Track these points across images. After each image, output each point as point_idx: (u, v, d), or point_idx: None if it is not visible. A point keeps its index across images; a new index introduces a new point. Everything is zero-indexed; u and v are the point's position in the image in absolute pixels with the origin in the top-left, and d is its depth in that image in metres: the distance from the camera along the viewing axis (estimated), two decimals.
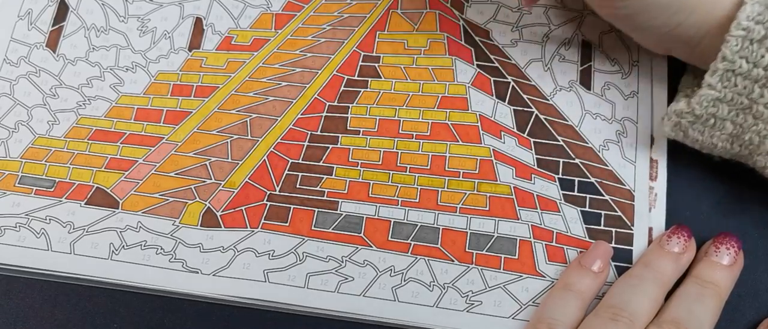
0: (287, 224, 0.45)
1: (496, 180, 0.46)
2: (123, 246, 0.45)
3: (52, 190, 0.46)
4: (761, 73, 0.37)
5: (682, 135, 0.42)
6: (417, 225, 0.45)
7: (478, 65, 0.49)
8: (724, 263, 0.42)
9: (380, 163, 0.46)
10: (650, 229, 0.44)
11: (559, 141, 0.47)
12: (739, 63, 0.37)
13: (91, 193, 0.46)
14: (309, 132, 0.47)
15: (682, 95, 0.43)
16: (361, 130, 0.47)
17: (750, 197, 0.45)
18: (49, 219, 0.46)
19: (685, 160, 0.45)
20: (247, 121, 0.48)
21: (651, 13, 0.39)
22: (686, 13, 0.39)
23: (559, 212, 0.45)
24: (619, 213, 0.45)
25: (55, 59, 0.50)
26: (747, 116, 0.39)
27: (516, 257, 0.44)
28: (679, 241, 0.42)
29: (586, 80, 0.48)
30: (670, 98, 0.47)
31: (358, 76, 0.49)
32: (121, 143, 0.48)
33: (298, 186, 0.46)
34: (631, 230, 0.44)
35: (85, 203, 0.46)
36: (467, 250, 0.44)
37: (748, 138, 0.40)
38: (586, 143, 0.47)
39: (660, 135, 0.46)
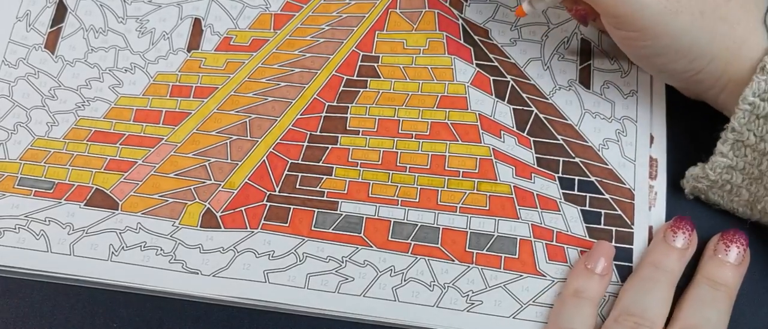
0: (287, 225, 0.45)
1: (496, 179, 0.46)
2: (123, 247, 0.45)
3: (51, 191, 0.46)
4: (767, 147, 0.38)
5: (703, 197, 0.43)
6: (417, 225, 0.45)
7: (477, 64, 0.49)
8: (733, 262, 0.42)
9: (380, 163, 0.46)
10: (650, 228, 0.44)
11: (558, 140, 0.47)
12: (746, 135, 0.38)
13: (90, 194, 0.46)
14: (308, 132, 0.47)
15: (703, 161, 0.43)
16: (361, 130, 0.47)
17: None
18: (49, 221, 0.45)
19: (685, 160, 0.45)
20: (246, 121, 0.48)
21: (670, 56, 0.40)
22: (705, 61, 0.39)
23: (560, 211, 0.45)
24: (620, 212, 0.45)
25: (53, 61, 0.50)
26: (759, 187, 0.40)
27: (516, 256, 0.44)
28: (684, 236, 0.42)
29: (585, 79, 0.48)
30: (669, 98, 0.47)
31: (357, 76, 0.49)
32: (120, 144, 0.48)
33: (297, 187, 0.46)
34: (632, 228, 0.44)
35: (85, 205, 0.46)
36: (467, 250, 0.44)
37: (761, 207, 0.41)
38: (586, 142, 0.46)
39: (659, 134, 0.46)
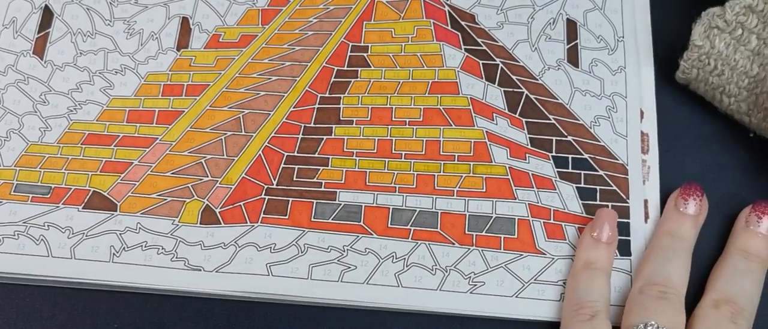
0: (287, 217, 0.45)
1: (491, 161, 0.46)
2: (123, 248, 0.45)
3: (48, 196, 0.46)
4: None
5: (708, 45, 0.43)
6: (416, 211, 0.45)
7: (466, 49, 0.49)
8: (765, 232, 0.42)
9: (375, 151, 0.47)
10: (646, 201, 0.45)
11: (550, 120, 0.47)
12: None
13: (88, 197, 0.46)
14: (302, 125, 0.48)
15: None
16: (355, 119, 0.48)
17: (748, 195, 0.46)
18: (48, 225, 0.45)
19: (675, 134, 0.46)
20: (240, 117, 0.48)
21: None
22: None
23: (555, 189, 0.46)
24: (614, 187, 0.45)
25: (42, 66, 0.50)
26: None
27: (515, 236, 0.44)
28: (695, 202, 0.43)
29: (573, 58, 0.49)
30: (657, 72, 0.48)
31: (347, 67, 0.49)
32: (115, 146, 0.48)
33: (295, 179, 0.46)
34: (627, 203, 0.45)
35: (83, 208, 0.46)
36: (467, 232, 0.45)
37: (761, 62, 0.41)
38: (578, 120, 0.47)
39: (650, 108, 0.47)
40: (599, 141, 0.47)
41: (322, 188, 0.46)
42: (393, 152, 0.47)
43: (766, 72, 0.42)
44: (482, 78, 0.48)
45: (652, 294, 0.40)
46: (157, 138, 0.48)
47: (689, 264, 0.42)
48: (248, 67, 0.49)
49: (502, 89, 0.48)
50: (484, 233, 0.45)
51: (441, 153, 0.46)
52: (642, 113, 0.47)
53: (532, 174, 0.46)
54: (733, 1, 0.41)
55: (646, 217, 0.45)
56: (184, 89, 0.49)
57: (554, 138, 0.47)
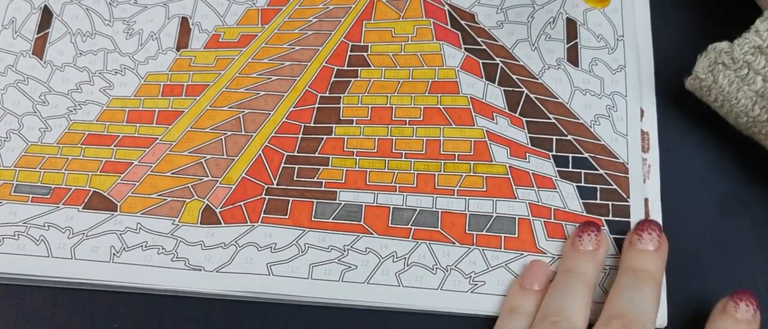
0: (287, 217, 0.45)
1: (492, 161, 0.46)
2: (124, 248, 0.45)
3: (48, 197, 0.46)
4: None
5: (711, 79, 0.42)
6: (416, 210, 0.45)
7: (466, 49, 0.49)
8: (651, 249, 0.42)
9: (375, 151, 0.47)
10: (646, 200, 0.45)
11: (550, 119, 0.47)
12: None
13: (88, 197, 0.46)
14: (302, 124, 0.48)
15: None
16: (355, 119, 0.48)
17: (750, 196, 0.46)
18: (48, 226, 0.45)
19: (675, 133, 0.46)
20: (240, 117, 0.48)
21: None
22: None
23: (556, 188, 0.46)
24: (615, 186, 0.45)
25: (42, 66, 0.50)
26: None
27: (516, 235, 0.44)
28: (590, 238, 0.43)
29: (573, 57, 0.49)
30: (657, 71, 0.48)
31: (347, 67, 0.49)
32: (115, 146, 0.48)
33: (295, 178, 0.46)
34: (628, 202, 0.45)
35: (83, 208, 0.46)
36: (467, 232, 0.45)
37: (764, 105, 0.40)
38: (578, 119, 0.47)
39: (650, 107, 0.47)
40: (599, 140, 0.47)
41: (323, 188, 0.46)
42: (393, 151, 0.47)
43: (765, 114, 0.41)
44: (482, 77, 0.48)
45: (544, 325, 0.40)
46: (157, 138, 0.48)
47: (588, 296, 0.41)
48: (248, 67, 0.49)
49: (502, 89, 0.48)
50: (484, 233, 0.45)
51: (441, 152, 0.46)
52: (642, 111, 0.47)
53: (533, 173, 0.46)
54: (742, 39, 0.40)
55: (647, 216, 0.45)
56: (183, 89, 0.49)
57: (554, 137, 0.47)
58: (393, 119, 0.47)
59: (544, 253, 0.44)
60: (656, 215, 0.45)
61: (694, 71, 0.43)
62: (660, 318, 0.42)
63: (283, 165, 0.47)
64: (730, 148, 0.46)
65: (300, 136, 0.47)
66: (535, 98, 0.48)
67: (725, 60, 0.41)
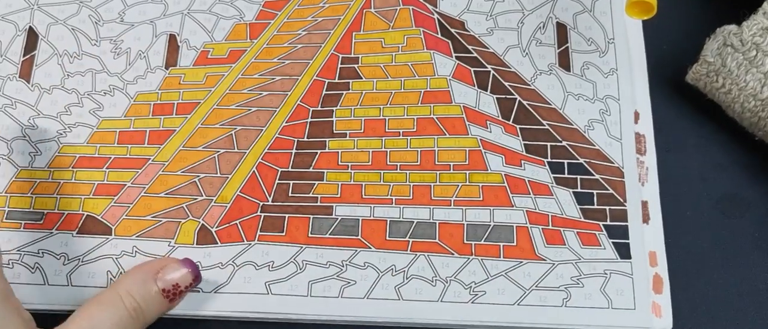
0: (284, 234, 0.45)
1: (487, 169, 0.46)
2: (120, 272, 0.44)
3: (41, 222, 0.46)
4: None
5: (719, 63, 0.42)
6: (413, 222, 0.45)
7: (457, 57, 0.49)
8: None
9: (370, 163, 0.46)
10: (645, 203, 0.45)
11: (544, 125, 0.47)
12: None
13: (81, 222, 0.46)
14: (296, 139, 0.47)
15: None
16: (348, 132, 0.47)
17: (751, 196, 0.46)
18: (42, 252, 0.45)
19: (675, 132, 0.46)
20: (232, 134, 0.48)
21: None
22: None
23: (552, 195, 0.45)
24: (611, 191, 0.45)
25: (30, 89, 0.49)
26: None
27: (514, 243, 0.44)
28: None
29: (564, 62, 0.49)
30: (652, 72, 0.48)
31: (338, 79, 0.49)
32: (106, 169, 0.47)
33: (290, 194, 0.46)
34: (625, 206, 0.45)
35: (77, 233, 0.45)
36: (466, 242, 0.44)
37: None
38: (571, 124, 0.47)
39: (644, 110, 0.47)
40: (594, 145, 0.46)
41: (319, 203, 0.46)
42: (388, 163, 0.46)
43: None
44: (474, 85, 0.48)
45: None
46: (150, 158, 0.47)
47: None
48: (238, 83, 0.49)
49: (495, 96, 0.48)
50: (482, 242, 0.44)
51: (436, 163, 0.46)
52: (637, 114, 0.47)
53: (529, 181, 0.46)
54: (750, 21, 0.41)
55: (646, 218, 0.45)
56: (174, 108, 0.48)
57: (549, 144, 0.46)
58: (386, 130, 0.47)
59: (544, 260, 0.44)
60: (656, 216, 0.45)
61: (701, 56, 0.43)
62: (665, 321, 0.42)
63: (277, 181, 0.46)
64: (731, 148, 0.47)
65: (293, 151, 0.47)
66: (528, 104, 0.47)
67: (734, 42, 0.41)
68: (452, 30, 0.50)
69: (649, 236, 0.44)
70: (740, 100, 0.43)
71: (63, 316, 0.43)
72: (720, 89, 0.43)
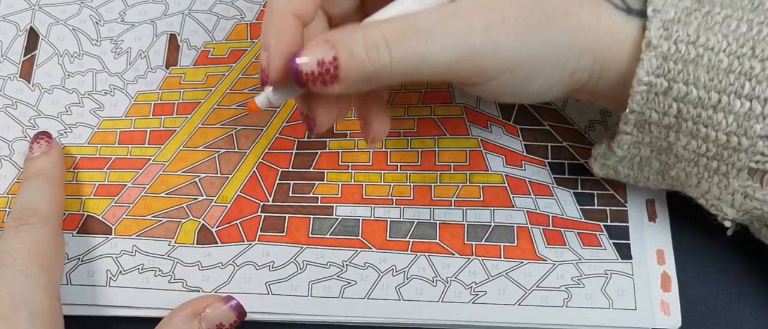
0: (284, 234, 0.45)
1: (488, 170, 0.46)
2: (120, 272, 0.44)
3: None
4: (672, 120, 0.37)
5: (613, 173, 0.42)
6: (414, 222, 0.45)
7: None
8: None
9: (371, 163, 0.46)
10: (651, 201, 0.45)
11: (545, 126, 0.47)
12: (648, 113, 0.37)
13: (82, 221, 0.46)
14: (296, 139, 0.47)
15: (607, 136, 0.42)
16: (348, 132, 0.47)
17: None
18: None
19: None
20: (232, 134, 0.48)
21: (545, 72, 0.36)
22: (574, 61, 0.37)
23: (553, 195, 0.45)
24: (612, 191, 0.45)
25: (30, 89, 0.49)
26: (669, 156, 0.39)
27: (515, 244, 0.44)
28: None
29: None
30: None
31: None
32: (107, 169, 0.47)
33: (291, 194, 0.46)
34: (625, 206, 0.45)
35: (77, 232, 0.45)
36: (466, 242, 0.44)
37: (674, 174, 0.40)
38: (572, 125, 0.47)
39: None
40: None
41: (319, 203, 0.46)
42: (388, 163, 0.46)
43: (676, 183, 0.40)
44: None
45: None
46: (150, 158, 0.47)
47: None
48: (239, 83, 0.49)
49: None
50: (483, 243, 0.44)
51: (437, 163, 0.46)
52: None
53: (529, 181, 0.46)
54: (618, 141, 0.39)
55: (653, 217, 0.44)
56: (175, 108, 0.48)
57: (549, 144, 0.46)
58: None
59: (545, 260, 0.44)
60: (663, 214, 0.44)
61: (594, 172, 0.43)
62: (674, 318, 0.42)
63: (278, 181, 0.46)
64: None
65: (294, 151, 0.47)
66: (529, 105, 0.47)
67: (613, 159, 0.41)
68: None
69: (656, 235, 0.44)
70: (650, 185, 0.42)
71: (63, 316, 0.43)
72: (627, 179, 0.43)
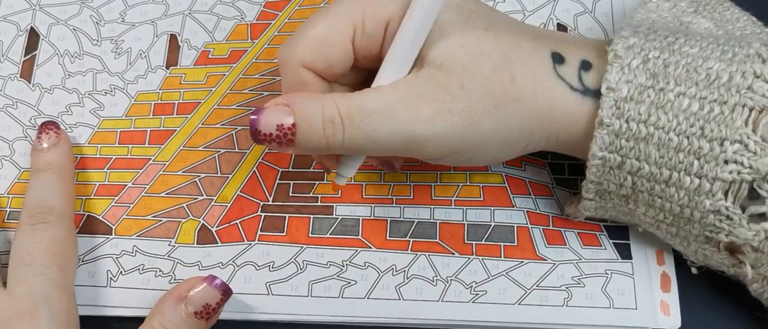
0: (284, 234, 0.45)
1: (488, 170, 0.46)
2: (121, 272, 0.44)
3: None
4: (629, 191, 0.38)
5: (601, 212, 0.42)
6: (414, 222, 0.45)
7: None
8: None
9: (371, 163, 0.46)
10: None
11: None
12: (606, 184, 0.38)
13: (82, 222, 0.46)
14: None
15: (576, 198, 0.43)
16: None
17: None
18: None
19: None
20: (232, 134, 0.48)
21: (496, 152, 0.38)
22: (526, 139, 0.38)
23: (553, 195, 0.45)
24: None
25: (31, 89, 0.49)
26: (633, 217, 0.40)
27: (515, 244, 0.44)
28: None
29: None
30: None
31: None
32: (107, 169, 0.47)
33: (291, 194, 0.46)
34: None
35: (78, 233, 0.45)
36: (466, 242, 0.44)
37: (641, 230, 0.42)
38: None
39: None
40: None
41: (319, 203, 0.46)
42: None
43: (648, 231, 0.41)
44: None
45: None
46: (150, 158, 0.47)
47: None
48: (239, 83, 0.49)
49: None
50: (483, 242, 0.44)
51: None
52: None
53: (529, 181, 0.46)
54: (583, 206, 0.41)
55: None
56: (175, 108, 0.49)
57: None
58: None
59: (545, 260, 0.44)
60: None
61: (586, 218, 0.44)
62: (674, 319, 0.42)
63: (278, 181, 0.46)
64: None
65: None
66: None
67: (586, 214, 0.42)
68: None
69: (656, 235, 0.44)
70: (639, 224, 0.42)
71: None
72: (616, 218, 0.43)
